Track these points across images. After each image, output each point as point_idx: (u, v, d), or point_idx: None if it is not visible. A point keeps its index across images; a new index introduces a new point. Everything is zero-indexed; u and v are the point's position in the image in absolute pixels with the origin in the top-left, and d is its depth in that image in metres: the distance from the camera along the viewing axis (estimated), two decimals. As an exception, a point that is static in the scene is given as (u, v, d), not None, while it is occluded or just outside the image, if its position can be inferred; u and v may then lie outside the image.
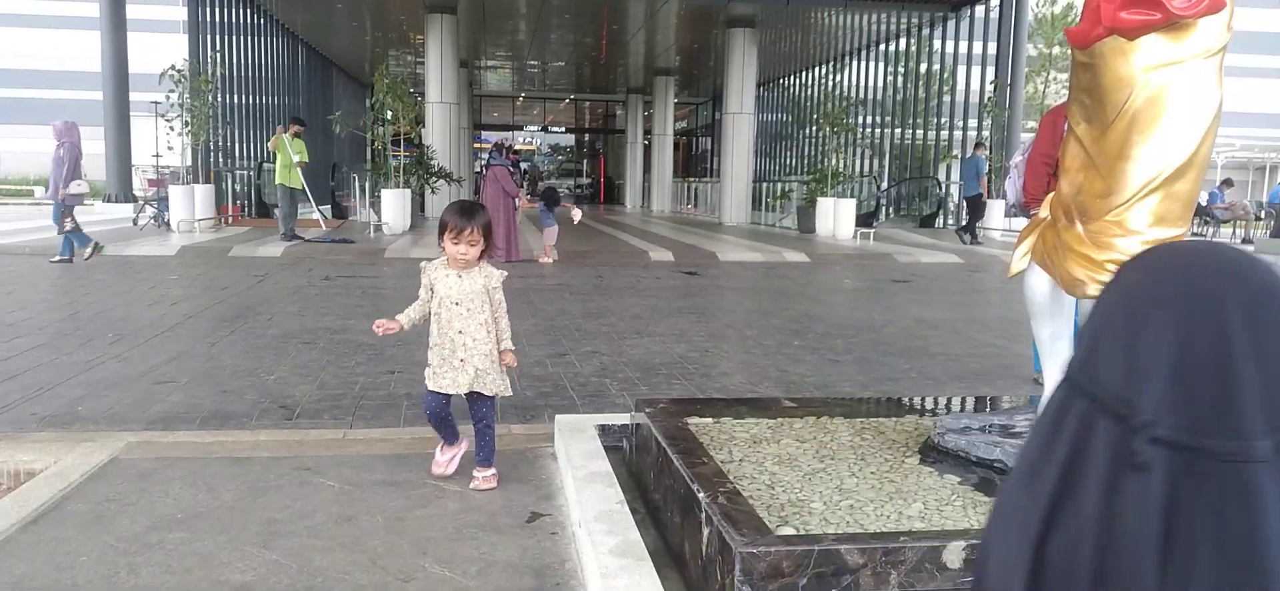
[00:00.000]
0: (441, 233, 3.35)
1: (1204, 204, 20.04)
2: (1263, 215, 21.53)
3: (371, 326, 3.40)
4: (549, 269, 11.71)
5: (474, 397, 3.42)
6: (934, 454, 2.98)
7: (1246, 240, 20.07)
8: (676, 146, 35.86)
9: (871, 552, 2.17)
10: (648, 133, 34.80)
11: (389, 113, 17.23)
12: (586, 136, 49.49)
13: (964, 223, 17.37)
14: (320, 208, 14.56)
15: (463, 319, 3.35)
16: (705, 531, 2.41)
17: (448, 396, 3.40)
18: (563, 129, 49.15)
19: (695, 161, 42.71)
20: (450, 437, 3.53)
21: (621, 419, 3.87)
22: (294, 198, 13.84)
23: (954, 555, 2.19)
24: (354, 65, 34.03)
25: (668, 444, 2.99)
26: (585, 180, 45.64)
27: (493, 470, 3.42)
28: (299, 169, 13.62)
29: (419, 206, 18.49)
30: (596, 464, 3.31)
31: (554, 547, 2.94)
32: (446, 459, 3.53)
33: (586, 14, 23.87)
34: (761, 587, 2.10)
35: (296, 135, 13.71)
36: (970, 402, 3.98)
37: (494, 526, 3.10)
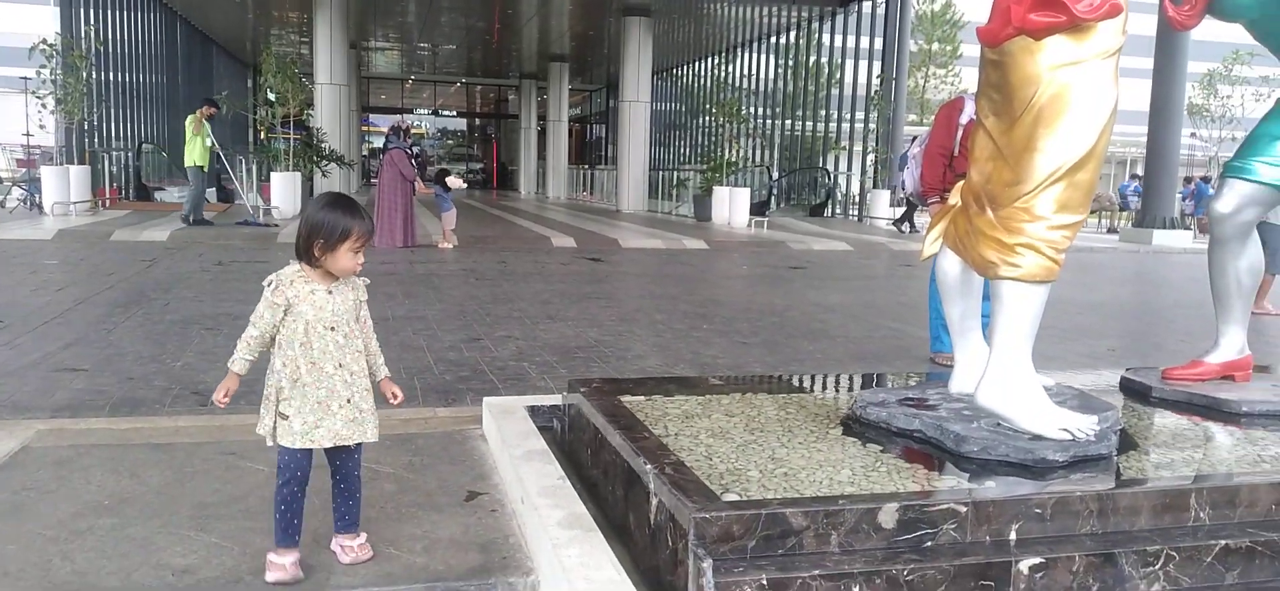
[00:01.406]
0: (333, 240, 2.47)
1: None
2: (1126, 207, 22.93)
3: (214, 400, 2.53)
4: (450, 254, 11.63)
5: (339, 450, 2.61)
6: (856, 426, 3.16)
7: (1111, 230, 21.37)
8: (571, 133, 35.88)
9: (814, 515, 2.31)
10: (542, 119, 34.72)
11: (273, 94, 16.73)
12: (478, 121, 48.94)
13: (902, 214, 18.08)
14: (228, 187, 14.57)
15: (340, 349, 2.54)
16: (653, 501, 2.51)
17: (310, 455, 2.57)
18: (454, 113, 48.46)
19: (590, 148, 42.78)
20: (294, 534, 2.59)
21: (551, 400, 3.94)
22: (204, 180, 13.63)
23: (888, 516, 2.35)
24: (235, 44, 32.86)
25: (608, 420, 3.08)
26: (478, 165, 45.16)
27: (363, 535, 2.72)
28: (211, 152, 13.52)
29: (309, 191, 18.03)
30: (532, 442, 3.38)
31: (496, 524, 3.00)
32: (289, 562, 2.57)
33: (479, -3, 23.68)
34: (713, 550, 2.22)
35: (211, 117, 13.43)
36: (886, 380, 4.19)
37: (432, 505, 3.14)
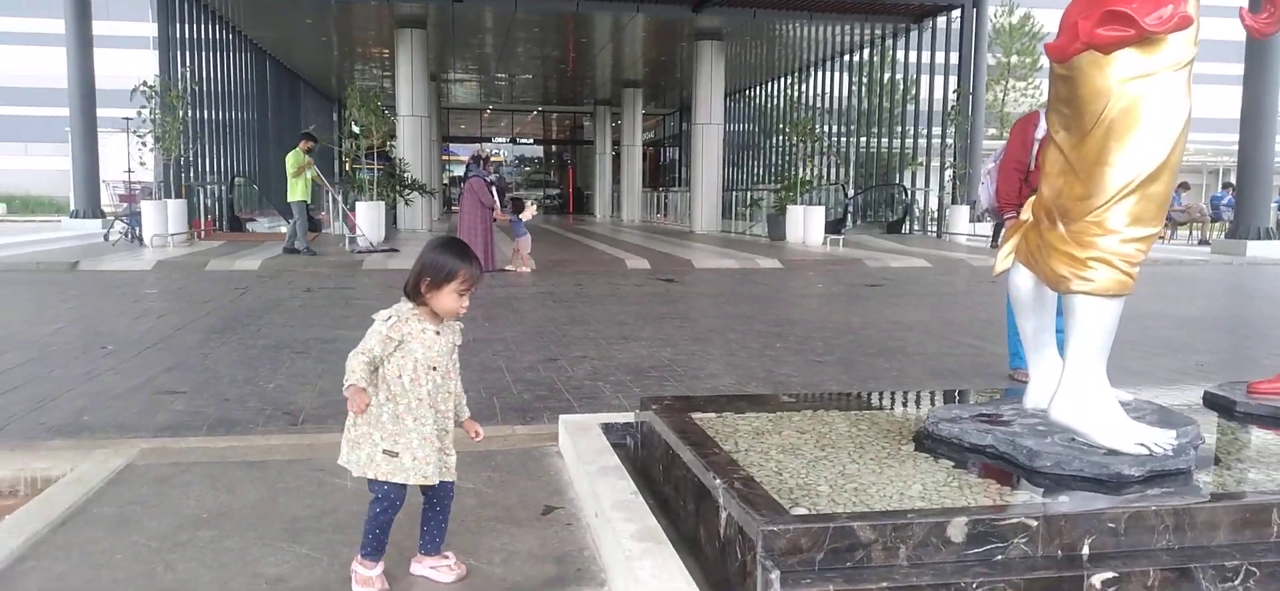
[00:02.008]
0: (439, 279, 2.56)
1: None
2: (1219, 217, 22.11)
3: (355, 411, 2.55)
4: (527, 278, 11.84)
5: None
6: (928, 441, 3.16)
7: (1203, 242, 20.65)
8: (645, 156, 36.12)
9: (882, 529, 2.34)
10: (616, 143, 35.05)
11: (357, 126, 17.32)
12: (555, 147, 49.62)
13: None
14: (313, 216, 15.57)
15: (437, 389, 2.64)
16: (723, 514, 2.57)
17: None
18: (531, 140, 49.24)
19: (664, 171, 42.98)
20: (382, 550, 2.71)
21: (624, 418, 4.02)
22: (306, 213, 14.36)
23: (957, 530, 2.36)
24: (321, 80, 33.97)
25: (679, 436, 3.15)
26: (554, 190, 45.77)
27: (451, 553, 2.82)
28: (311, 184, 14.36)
29: (392, 219, 18.57)
30: (606, 459, 3.46)
31: (571, 537, 3.09)
32: (376, 573, 2.69)
33: (554, 28, 24.06)
34: (781, 562, 2.27)
35: (309, 151, 14.14)
36: (967, 397, 4.16)
37: (511, 519, 3.24)
